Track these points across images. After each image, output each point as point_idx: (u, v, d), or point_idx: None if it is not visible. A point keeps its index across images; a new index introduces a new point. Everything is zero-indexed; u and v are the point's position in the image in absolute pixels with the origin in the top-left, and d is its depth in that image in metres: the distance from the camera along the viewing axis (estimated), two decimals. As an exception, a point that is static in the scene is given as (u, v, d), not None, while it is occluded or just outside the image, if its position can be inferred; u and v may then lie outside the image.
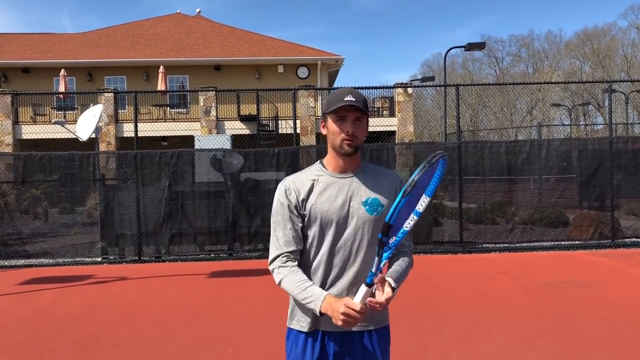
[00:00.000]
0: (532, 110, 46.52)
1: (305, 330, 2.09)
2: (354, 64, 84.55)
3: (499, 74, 55.82)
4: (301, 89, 18.97)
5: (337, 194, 2.10)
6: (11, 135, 20.49)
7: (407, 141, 19.31)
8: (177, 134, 20.09)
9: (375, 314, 2.07)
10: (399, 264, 2.10)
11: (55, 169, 10.49)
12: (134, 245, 10.12)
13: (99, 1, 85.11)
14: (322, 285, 2.08)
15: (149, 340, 5.31)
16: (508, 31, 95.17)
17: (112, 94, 19.88)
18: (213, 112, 21.05)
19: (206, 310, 6.50)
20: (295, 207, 2.11)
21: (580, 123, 42.32)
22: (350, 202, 2.09)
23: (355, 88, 12.40)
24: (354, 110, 2.07)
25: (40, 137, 18.51)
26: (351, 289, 2.07)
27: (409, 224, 1.90)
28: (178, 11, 31.41)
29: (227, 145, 12.41)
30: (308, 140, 19.78)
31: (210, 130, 20.76)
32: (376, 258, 1.89)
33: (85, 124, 10.23)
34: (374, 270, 1.89)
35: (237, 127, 20.81)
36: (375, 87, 16.49)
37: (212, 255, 10.26)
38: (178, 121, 21.77)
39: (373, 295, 1.92)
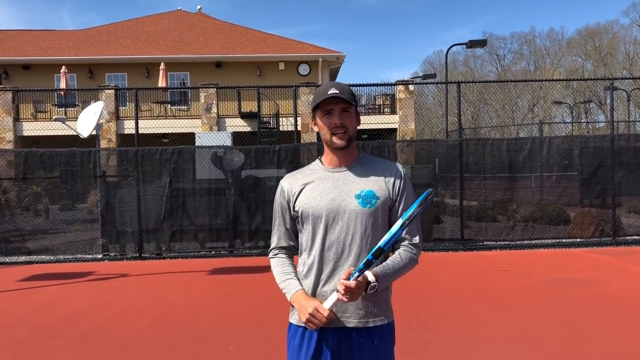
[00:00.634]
0: (534, 108, 46.46)
1: (303, 324, 2.09)
2: (355, 61, 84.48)
3: (501, 72, 55.75)
4: (302, 86, 18.95)
5: (329, 188, 2.10)
6: (12, 132, 20.49)
7: (408, 138, 19.29)
8: (177, 131, 20.07)
9: (374, 311, 2.09)
10: (392, 259, 2.08)
11: (56, 165, 10.49)
12: (135, 242, 10.12)
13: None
14: (317, 281, 2.08)
15: (149, 337, 5.30)
16: (510, 28, 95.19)
17: (112, 91, 19.86)
18: (214, 109, 21.04)
19: (207, 307, 6.50)
20: (288, 204, 2.17)
21: (582, 121, 42.24)
22: (342, 196, 2.08)
23: (357, 85, 12.30)
24: (339, 102, 2.07)
25: (41, 134, 18.49)
26: None
27: (382, 242, 1.99)
28: (179, 8, 31.36)
29: (228, 142, 12.41)
30: (309, 137, 19.75)
31: (211, 127, 20.75)
32: (355, 273, 1.95)
33: (86, 121, 10.21)
34: (344, 278, 1.95)
35: (238, 124, 20.79)
36: (377, 84, 16.47)
37: (212, 253, 10.26)
38: (179, 118, 21.76)
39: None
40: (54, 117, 15.31)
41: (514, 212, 11.10)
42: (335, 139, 2.08)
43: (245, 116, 20.91)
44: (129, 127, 20.30)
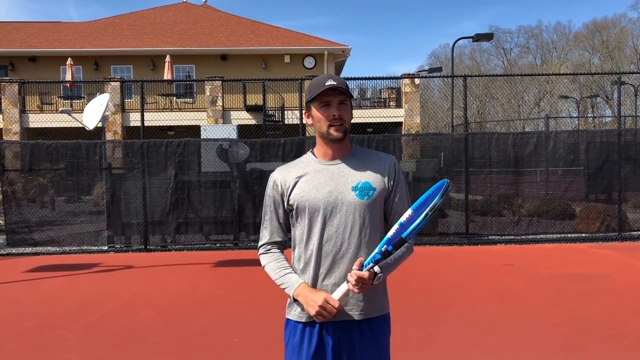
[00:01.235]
0: (540, 102, 46.23)
1: (303, 320, 2.08)
2: (360, 54, 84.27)
3: (507, 66, 55.46)
4: (308, 79, 18.91)
5: (325, 181, 2.07)
6: (18, 123, 20.57)
7: (413, 132, 19.25)
8: (183, 124, 20.11)
9: (374, 302, 2.08)
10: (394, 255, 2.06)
11: (62, 157, 10.53)
12: (140, 234, 10.15)
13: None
14: (317, 275, 2.06)
15: (154, 328, 5.33)
16: (516, 22, 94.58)
17: (118, 83, 19.90)
18: (219, 102, 21.04)
19: (212, 299, 6.52)
20: (282, 199, 2.13)
21: (589, 115, 42.03)
22: (339, 189, 2.06)
23: (362, 78, 12.31)
24: (337, 93, 2.04)
25: (47, 125, 18.56)
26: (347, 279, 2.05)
27: (392, 233, 1.97)
28: (184, 0, 31.31)
29: (233, 135, 12.42)
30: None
31: (216, 120, 20.76)
32: (370, 263, 1.94)
33: (92, 113, 10.25)
34: (356, 269, 1.95)
35: (243, 117, 20.79)
36: (382, 78, 16.43)
37: (217, 245, 10.28)
38: (184, 111, 21.79)
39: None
40: (60, 109, 15.38)
41: (519, 206, 11.07)
42: (332, 131, 2.05)
43: (250, 109, 20.91)
44: (134, 119, 20.34)
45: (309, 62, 25.14)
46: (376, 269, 1.97)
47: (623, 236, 10.54)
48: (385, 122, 19.35)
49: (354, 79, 14.92)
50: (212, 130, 13.26)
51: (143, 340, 4.98)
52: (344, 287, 1.98)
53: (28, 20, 30.81)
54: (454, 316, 5.57)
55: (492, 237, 10.58)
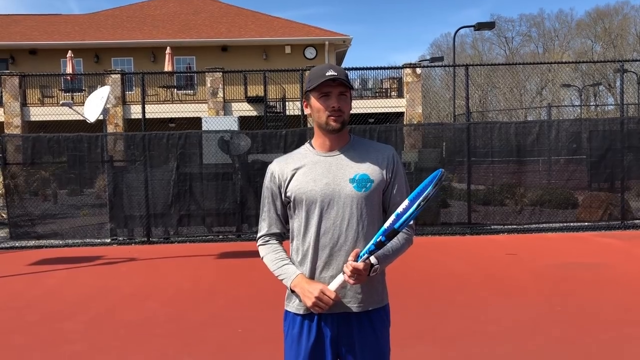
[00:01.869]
0: (542, 91, 46.06)
1: (302, 312, 2.08)
2: (362, 44, 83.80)
3: (509, 54, 55.21)
4: (308, 70, 18.82)
5: (322, 172, 2.06)
6: (19, 117, 20.57)
7: (415, 122, 19.20)
8: (184, 116, 20.08)
9: (373, 295, 2.07)
10: (391, 246, 2.04)
11: (64, 150, 10.53)
12: (143, 227, 10.17)
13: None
14: (314, 268, 2.05)
15: (158, 320, 5.35)
16: (518, 10, 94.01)
17: (119, 76, 19.86)
18: (220, 94, 20.99)
19: (215, 291, 6.54)
20: (279, 190, 2.12)
21: (591, 104, 41.86)
22: (336, 181, 2.04)
23: (364, 68, 12.19)
24: (337, 84, 2.02)
25: (48, 119, 18.54)
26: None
27: (388, 224, 1.94)
28: (184, -9, 31.12)
29: (235, 126, 12.38)
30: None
31: (217, 111, 20.73)
32: (365, 254, 1.93)
33: (93, 106, 10.24)
34: (351, 260, 1.94)
35: (245, 109, 20.75)
36: (384, 68, 16.32)
37: (220, 237, 10.30)
38: (185, 103, 21.75)
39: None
40: (61, 102, 15.34)
41: (522, 196, 11.06)
42: (331, 121, 2.04)
43: (251, 100, 20.86)
44: (135, 111, 20.32)
45: (310, 53, 25.05)
46: (372, 260, 1.96)
47: (626, 225, 10.53)
48: (387, 113, 19.29)
49: (355, 69, 14.84)
50: (214, 121, 13.23)
51: (147, 332, 4.99)
52: (340, 278, 1.97)
53: (28, 13, 30.70)
54: (456, 306, 5.58)
55: (495, 226, 10.57)
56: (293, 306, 2.11)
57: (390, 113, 19.69)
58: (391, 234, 1.91)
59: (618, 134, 10.70)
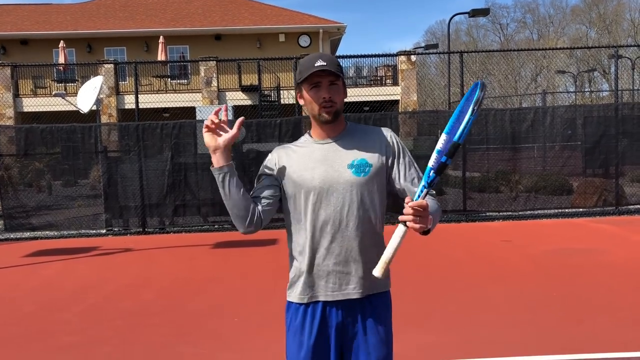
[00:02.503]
0: (537, 78, 46.04)
1: (305, 301, 2.05)
2: (356, 32, 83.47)
3: (504, 41, 55.08)
4: (303, 58, 18.75)
5: (320, 160, 2.04)
6: (12, 108, 20.40)
7: (410, 110, 19.17)
8: (178, 105, 19.95)
9: (375, 279, 1.94)
10: (431, 202, 1.96)
11: (57, 141, 10.47)
12: (138, 217, 10.15)
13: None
14: (314, 256, 2.02)
15: (154, 310, 5.35)
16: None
17: (112, 66, 19.72)
18: (214, 83, 20.88)
19: (211, 280, 6.54)
20: (275, 176, 2.09)
21: (586, 90, 41.90)
22: (334, 167, 2.02)
23: (358, 56, 12.13)
24: (327, 74, 1.99)
25: (41, 109, 18.39)
26: (348, 257, 2.01)
27: (432, 162, 1.84)
28: (177, -20, 30.83)
29: (229, 116, 12.31)
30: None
31: (211, 101, 20.63)
32: (424, 189, 1.83)
33: (86, 96, 10.15)
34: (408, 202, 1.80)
35: (239, 98, 20.64)
36: (378, 55, 16.24)
37: (216, 226, 10.30)
38: (179, 92, 21.62)
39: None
40: (53, 93, 15.24)
41: (517, 182, 11.08)
42: (323, 113, 2.02)
43: (245, 89, 20.75)
44: (129, 101, 20.18)
45: (304, 41, 24.91)
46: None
47: (620, 210, 10.58)
48: (382, 100, 19.25)
49: (350, 56, 14.77)
50: (208, 111, 13.17)
51: (143, 322, 5.00)
52: (400, 231, 1.78)
53: (19, 3, 30.38)
54: (451, 292, 5.60)
55: (490, 213, 10.61)
56: (295, 296, 2.07)
57: (385, 101, 19.65)
58: (452, 148, 1.80)
59: (612, 120, 10.71)
